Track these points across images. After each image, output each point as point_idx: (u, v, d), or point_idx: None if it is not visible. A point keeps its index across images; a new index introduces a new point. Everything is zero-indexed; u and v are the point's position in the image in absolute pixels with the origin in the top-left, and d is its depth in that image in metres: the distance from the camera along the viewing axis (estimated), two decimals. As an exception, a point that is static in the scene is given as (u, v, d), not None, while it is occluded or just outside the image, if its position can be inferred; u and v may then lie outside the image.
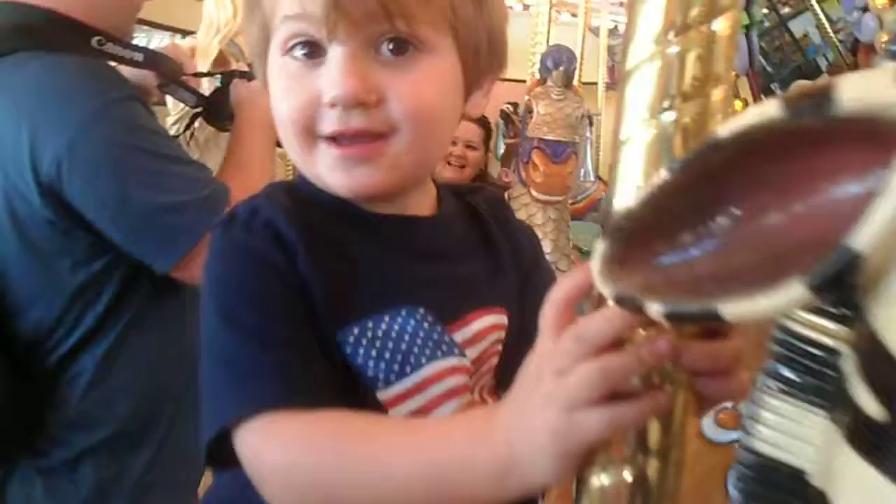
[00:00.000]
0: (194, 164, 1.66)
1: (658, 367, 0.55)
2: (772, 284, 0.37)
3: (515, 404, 0.60)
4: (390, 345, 0.77)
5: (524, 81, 3.95)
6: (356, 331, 0.77)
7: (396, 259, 0.82)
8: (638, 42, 0.55)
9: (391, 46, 0.76)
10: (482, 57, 0.84)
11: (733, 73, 2.88)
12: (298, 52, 0.78)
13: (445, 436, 0.65)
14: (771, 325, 0.47)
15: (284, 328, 0.74)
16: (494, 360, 0.84)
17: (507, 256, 0.91)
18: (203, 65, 2.40)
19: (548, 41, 4.65)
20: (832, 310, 0.42)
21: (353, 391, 0.75)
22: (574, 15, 6.90)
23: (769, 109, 0.38)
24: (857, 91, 0.36)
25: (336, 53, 0.76)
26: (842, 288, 0.36)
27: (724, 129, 0.41)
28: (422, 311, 0.80)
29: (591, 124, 4.80)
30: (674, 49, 0.53)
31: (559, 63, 3.13)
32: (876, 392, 0.37)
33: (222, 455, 0.74)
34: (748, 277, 0.38)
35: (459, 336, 0.82)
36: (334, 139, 0.78)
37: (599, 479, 0.56)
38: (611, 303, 0.51)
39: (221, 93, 1.90)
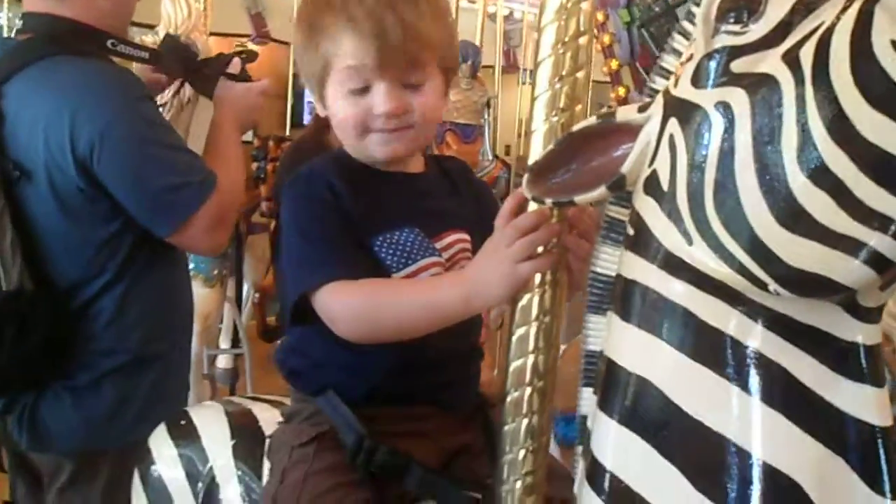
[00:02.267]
0: (191, 153, 2.15)
1: (552, 240, 1.16)
2: (593, 188, 1.00)
3: (481, 261, 1.21)
4: (399, 248, 1.37)
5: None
6: (380, 239, 1.37)
7: (401, 197, 1.42)
8: (539, 81, 1.16)
9: (409, 82, 1.35)
10: (450, 66, 1.44)
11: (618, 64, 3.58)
12: (356, 91, 1.35)
13: (436, 283, 1.31)
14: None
15: (336, 236, 1.33)
16: (462, 262, 1.42)
17: (469, 199, 1.51)
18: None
19: (451, 29, 5.22)
20: (625, 202, 1.05)
21: (380, 274, 1.35)
22: (473, 2, 7.52)
23: (591, 119, 1.02)
24: (623, 112, 1.00)
25: (380, 87, 1.34)
26: (621, 188, 0.99)
27: (576, 127, 1.04)
28: (417, 229, 1.40)
29: (489, 107, 5.39)
30: (557, 86, 1.14)
31: (466, 57, 3.77)
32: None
33: (297, 315, 1.34)
34: (584, 186, 1.02)
35: (438, 245, 1.42)
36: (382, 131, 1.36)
37: (523, 300, 1.18)
38: (532, 204, 1.12)
39: (212, 67, 2.34)
